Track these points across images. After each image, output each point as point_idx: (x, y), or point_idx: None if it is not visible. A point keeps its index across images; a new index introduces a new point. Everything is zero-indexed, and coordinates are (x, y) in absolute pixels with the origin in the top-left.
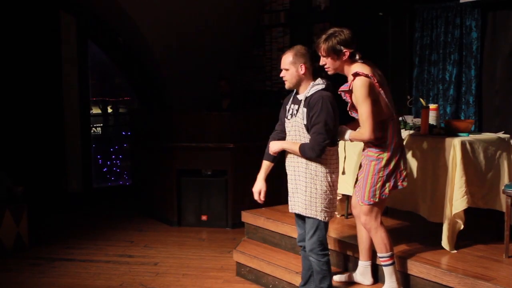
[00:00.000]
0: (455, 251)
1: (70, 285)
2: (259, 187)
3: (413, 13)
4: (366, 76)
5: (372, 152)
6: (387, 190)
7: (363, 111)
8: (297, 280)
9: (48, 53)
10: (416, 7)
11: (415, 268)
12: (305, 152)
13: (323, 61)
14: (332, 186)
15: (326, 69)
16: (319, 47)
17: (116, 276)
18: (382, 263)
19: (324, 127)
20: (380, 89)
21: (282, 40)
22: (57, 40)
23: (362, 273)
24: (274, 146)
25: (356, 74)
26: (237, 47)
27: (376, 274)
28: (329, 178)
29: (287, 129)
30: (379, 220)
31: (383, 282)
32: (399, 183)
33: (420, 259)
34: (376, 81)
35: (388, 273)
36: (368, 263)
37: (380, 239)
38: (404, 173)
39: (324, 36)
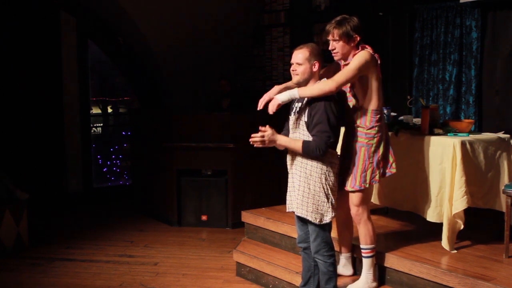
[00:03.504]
0: (455, 251)
1: (70, 285)
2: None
3: (413, 13)
4: (373, 53)
5: (363, 138)
6: (377, 177)
7: (345, 72)
8: (297, 280)
9: (48, 53)
10: (416, 7)
11: (415, 268)
12: (309, 150)
13: (332, 45)
14: (327, 188)
15: (334, 54)
16: (330, 32)
17: (116, 276)
18: (364, 255)
19: (328, 125)
20: (380, 75)
21: (282, 40)
22: (57, 40)
23: (344, 265)
24: (281, 140)
25: (363, 47)
26: (237, 47)
27: (355, 265)
28: (323, 180)
29: (290, 126)
30: (368, 212)
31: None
32: (387, 170)
33: (420, 259)
34: (379, 62)
35: (368, 265)
36: (349, 254)
37: (367, 231)
38: (391, 160)
39: (336, 21)
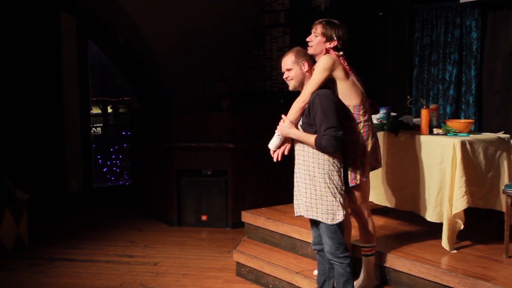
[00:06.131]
0: (455, 251)
1: (70, 285)
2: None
3: (413, 13)
4: (336, 56)
5: (351, 134)
6: (367, 173)
7: (310, 83)
8: (297, 280)
9: (48, 53)
10: (416, 7)
11: (415, 268)
12: (322, 147)
13: (310, 38)
14: (333, 187)
15: (308, 46)
16: (316, 25)
17: (116, 276)
18: (364, 253)
19: (332, 120)
20: (351, 72)
21: (282, 40)
22: (57, 40)
23: None
24: (291, 131)
25: (327, 51)
26: (237, 47)
27: (354, 266)
28: (327, 179)
29: None
30: (368, 210)
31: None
32: (375, 165)
33: (420, 259)
34: (346, 64)
35: (368, 263)
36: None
37: (367, 228)
38: (380, 155)
39: (326, 20)
